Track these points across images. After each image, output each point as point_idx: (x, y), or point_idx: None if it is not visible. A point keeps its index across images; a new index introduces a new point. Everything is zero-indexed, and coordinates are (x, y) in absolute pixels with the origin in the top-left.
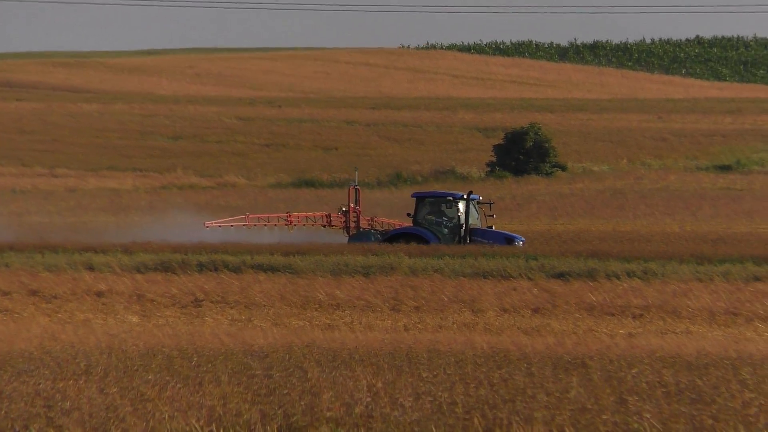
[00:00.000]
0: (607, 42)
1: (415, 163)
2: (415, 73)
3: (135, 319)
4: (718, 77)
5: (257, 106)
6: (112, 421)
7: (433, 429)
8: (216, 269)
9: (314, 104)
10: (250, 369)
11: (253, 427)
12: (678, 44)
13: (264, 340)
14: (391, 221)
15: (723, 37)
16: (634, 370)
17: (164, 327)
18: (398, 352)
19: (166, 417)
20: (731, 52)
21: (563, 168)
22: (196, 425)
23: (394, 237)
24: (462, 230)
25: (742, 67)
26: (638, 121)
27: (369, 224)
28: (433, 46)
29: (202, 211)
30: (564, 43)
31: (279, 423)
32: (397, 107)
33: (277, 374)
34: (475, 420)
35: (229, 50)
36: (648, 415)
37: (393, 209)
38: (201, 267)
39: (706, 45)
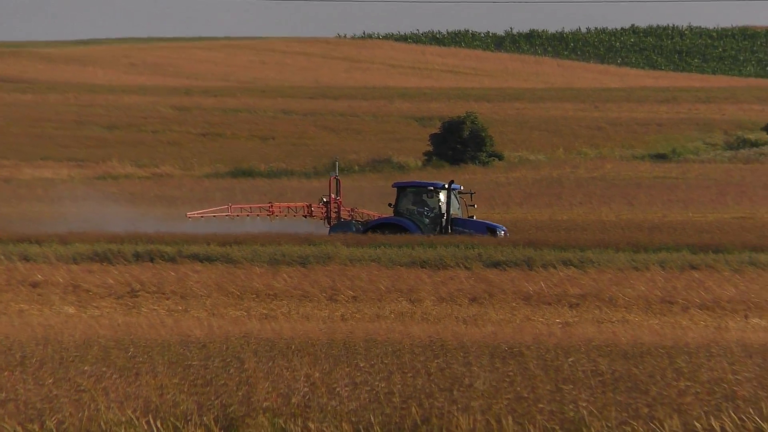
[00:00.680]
0: (543, 31)
1: (352, 152)
2: (351, 63)
3: (71, 309)
4: (654, 66)
5: (193, 96)
6: (48, 412)
7: (371, 418)
8: (152, 259)
9: (250, 93)
10: (186, 360)
11: (189, 418)
12: (613, 33)
13: (201, 330)
14: (371, 212)
15: (658, 26)
16: (570, 359)
17: (100, 318)
18: (335, 341)
19: (103, 408)
20: (666, 41)
21: (500, 157)
22: (133, 416)
23: (375, 227)
24: (443, 220)
25: (677, 56)
26: (574, 110)
27: (350, 215)
28: (370, 36)
29: (136, 200)
30: (500, 32)
31: (216, 413)
32: (334, 97)
33: (214, 365)
34: (413, 409)
35: (164, 40)
36: (584, 404)
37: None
38: (137, 257)
39: (641, 34)
